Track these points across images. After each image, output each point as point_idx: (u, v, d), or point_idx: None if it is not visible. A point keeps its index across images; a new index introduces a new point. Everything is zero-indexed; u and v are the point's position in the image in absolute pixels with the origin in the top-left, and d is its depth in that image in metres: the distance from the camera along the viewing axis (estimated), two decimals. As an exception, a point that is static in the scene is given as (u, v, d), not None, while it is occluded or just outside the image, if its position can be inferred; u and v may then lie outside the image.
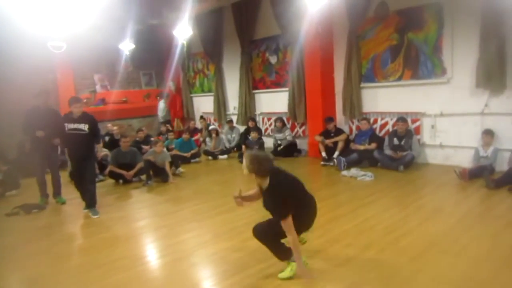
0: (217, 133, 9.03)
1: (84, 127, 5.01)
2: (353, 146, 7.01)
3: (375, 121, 7.28)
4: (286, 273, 3.03)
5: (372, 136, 6.93)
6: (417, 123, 6.69)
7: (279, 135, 8.41)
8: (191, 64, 11.74)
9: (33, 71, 8.82)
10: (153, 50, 11.46)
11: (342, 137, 7.25)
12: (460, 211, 4.31)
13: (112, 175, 6.88)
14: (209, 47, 10.45)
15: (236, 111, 10.13)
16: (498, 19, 5.48)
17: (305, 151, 8.36)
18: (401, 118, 6.56)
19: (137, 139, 8.88)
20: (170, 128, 9.86)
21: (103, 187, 6.64)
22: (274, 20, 8.43)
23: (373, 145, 6.75)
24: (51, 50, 8.10)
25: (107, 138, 8.98)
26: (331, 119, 7.40)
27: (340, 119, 7.85)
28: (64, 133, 5.04)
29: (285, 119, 8.69)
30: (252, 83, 9.60)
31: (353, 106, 7.45)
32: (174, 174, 7.00)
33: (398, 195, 5.15)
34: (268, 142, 8.71)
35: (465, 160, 6.08)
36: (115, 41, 9.75)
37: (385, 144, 6.67)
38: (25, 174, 6.89)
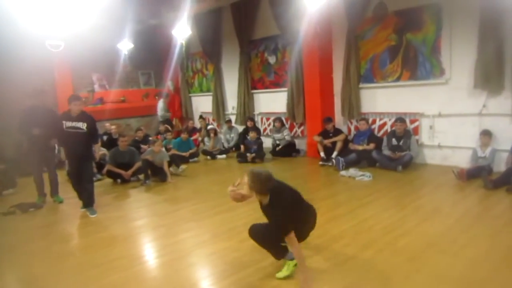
0: (215, 133, 9.02)
1: (83, 126, 5.00)
2: (352, 146, 7.02)
3: (374, 121, 7.29)
4: (284, 272, 3.05)
5: (370, 136, 6.94)
6: (416, 124, 6.70)
7: (277, 135, 8.41)
8: (189, 63, 11.73)
9: (31, 70, 8.79)
10: (151, 50, 11.44)
11: (340, 137, 7.25)
12: (458, 212, 4.31)
13: (110, 174, 6.86)
14: (208, 47, 10.44)
15: (234, 111, 10.12)
16: (497, 20, 5.49)
17: (304, 151, 8.37)
18: (400, 119, 6.57)
19: (136, 138, 8.87)
20: (169, 128, 9.84)
21: (101, 186, 6.62)
22: (273, 20, 8.43)
23: (372, 146, 6.75)
24: (49, 49, 8.08)
25: (105, 138, 8.96)
26: (330, 119, 7.40)
27: (339, 119, 7.85)
28: (61, 132, 5.02)
29: (283, 119, 8.69)
30: (251, 83, 9.59)
31: (351, 107, 7.46)
32: (172, 174, 6.98)
33: (396, 195, 5.16)
34: (267, 142, 8.71)
35: (463, 161, 6.09)
36: (114, 41, 9.72)
37: (384, 144, 6.67)
38: (22, 173, 6.87)
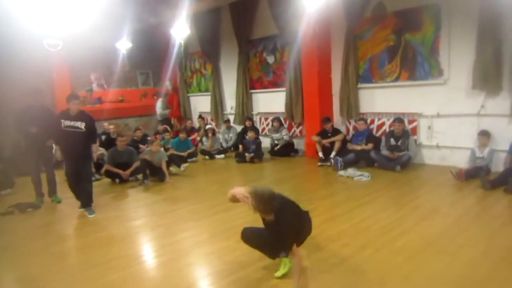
0: (214, 133, 9.02)
1: (81, 125, 4.97)
2: (350, 146, 7.02)
3: (372, 121, 7.29)
4: (281, 270, 3.07)
5: (369, 136, 6.95)
6: (414, 124, 6.71)
7: (276, 135, 8.41)
8: (188, 63, 11.71)
9: (29, 69, 8.76)
10: (150, 49, 11.41)
11: (339, 137, 7.26)
12: (456, 212, 4.32)
13: (109, 174, 6.85)
14: (207, 47, 10.43)
15: (233, 111, 10.12)
16: (495, 21, 5.51)
17: (302, 151, 8.37)
18: (398, 119, 6.58)
19: (135, 138, 8.85)
20: (168, 129, 9.82)
21: (99, 186, 6.61)
22: (271, 20, 8.43)
23: (370, 146, 6.76)
24: (47, 48, 8.05)
25: (103, 137, 8.93)
26: (328, 119, 7.40)
27: (337, 120, 7.86)
28: (58, 131, 4.99)
29: (282, 119, 8.69)
30: (250, 83, 9.59)
31: (350, 107, 7.46)
32: (171, 174, 6.97)
33: (394, 195, 5.16)
34: (265, 142, 8.71)
35: (461, 161, 6.10)
36: (112, 40, 9.69)
37: (382, 144, 6.68)
38: (20, 172, 6.85)
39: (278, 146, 8.31)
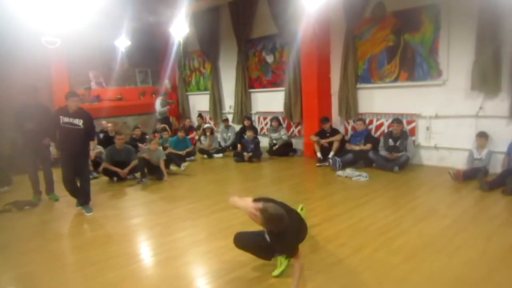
0: (212, 132, 9.02)
1: (79, 122, 4.94)
2: (349, 146, 7.02)
3: (371, 122, 7.30)
4: (278, 269, 3.08)
5: (367, 136, 6.95)
6: (412, 125, 6.72)
7: (274, 135, 8.41)
8: (187, 62, 11.70)
9: (27, 67, 8.72)
10: (149, 48, 11.40)
11: (337, 137, 7.26)
12: (454, 212, 4.33)
13: (106, 172, 6.84)
14: (206, 46, 10.42)
15: (232, 110, 10.11)
16: (495, 22, 5.52)
17: (301, 151, 8.37)
18: (397, 120, 6.59)
19: (134, 136, 8.84)
20: (167, 128, 9.81)
21: (97, 184, 6.59)
22: (271, 19, 8.43)
23: (368, 146, 6.77)
24: (45, 46, 8.02)
25: (101, 135, 8.91)
26: (327, 119, 7.41)
27: (336, 120, 7.86)
28: (55, 129, 4.96)
29: (281, 118, 8.69)
30: (248, 82, 9.58)
31: (349, 107, 7.47)
32: (170, 173, 6.96)
33: (392, 196, 5.17)
34: (264, 142, 8.71)
35: (460, 162, 6.11)
36: (111, 38, 9.68)
37: (380, 145, 6.69)
38: (18, 170, 6.81)
39: (277, 146, 8.32)
